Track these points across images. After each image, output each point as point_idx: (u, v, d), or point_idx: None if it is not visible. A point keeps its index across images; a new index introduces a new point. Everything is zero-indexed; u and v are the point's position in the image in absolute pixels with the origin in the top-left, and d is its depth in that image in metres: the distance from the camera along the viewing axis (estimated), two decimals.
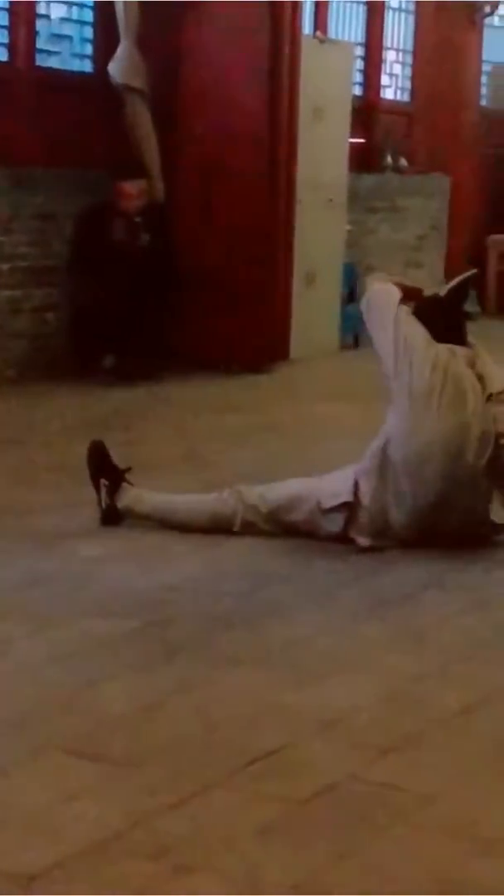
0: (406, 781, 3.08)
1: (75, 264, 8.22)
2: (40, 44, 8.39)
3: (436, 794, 3.03)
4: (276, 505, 4.92)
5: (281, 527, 4.93)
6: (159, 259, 8.17)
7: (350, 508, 4.81)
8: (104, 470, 5.11)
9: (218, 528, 4.97)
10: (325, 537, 4.86)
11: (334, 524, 4.84)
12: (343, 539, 4.83)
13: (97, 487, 5.10)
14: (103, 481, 5.09)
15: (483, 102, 12.69)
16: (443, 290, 5.27)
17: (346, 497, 4.81)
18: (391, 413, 4.89)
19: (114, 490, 5.07)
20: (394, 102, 11.72)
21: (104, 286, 8.03)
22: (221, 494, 5.02)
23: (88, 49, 8.74)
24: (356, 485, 4.81)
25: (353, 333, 9.82)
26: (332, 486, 4.87)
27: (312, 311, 9.21)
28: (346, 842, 2.81)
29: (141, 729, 3.32)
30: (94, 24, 8.71)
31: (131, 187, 8.25)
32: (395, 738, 3.30)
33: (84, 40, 8.74)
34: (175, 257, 8.33)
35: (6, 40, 8.17)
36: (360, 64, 11.08)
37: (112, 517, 5.07)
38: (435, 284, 11.74)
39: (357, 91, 10.83)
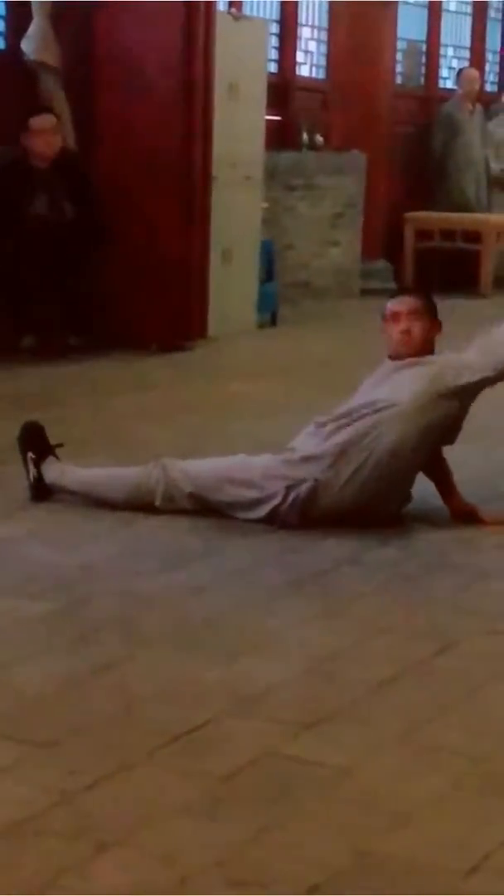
0: (323, 756, 3.12)
1: None
2: None
3: (352, 768, 3.06)
4: (201, 483, 4.92)
5: (202, 505, 4.94)
6: (85, 227, 8.06)
7: (276, 498, 4.83)
8: (35, 446, 5.11)
9: (141, 501, 4.96)
10: (244, 519, 4.88)
11: (258, 512, 4.86)
12: (265, 522, 4.86)
13: (25, 463, 5.09)
14: (30, 454, 5.09)
15: (398, 80, 12.72)
16: None
17: (273, 490, 4.82)
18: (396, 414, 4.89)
19: (39, 463, 5.06)
20: (309, 79, 11.72)
21: (24, 260, 7.94)
22: (146, 467, 5.01)
23: (1, 26, 8.66)
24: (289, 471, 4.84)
25: (271, 311, 9.84)
26: (260, 477, 4.88)
27: (230, 288, 9.22)
28: (266, 817, 2.83)
29: (60, 709, 3.32)
30: (6, 2, 8.63)
31: (41, 122, 8.09)
32: (312, 714, 3.33)
33: None
34: (101, 223, 8.18)
35: None
36: (274, 41, 11.06)
37: (41, 492, 5.06)
38: (352, 262, 11.82)
39: (272, 68, 10.82)
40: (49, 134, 8.13)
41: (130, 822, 2.79)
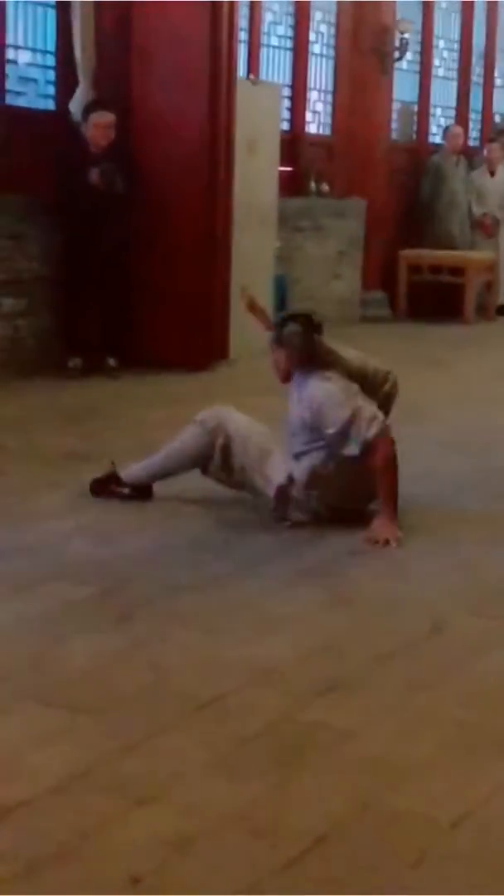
0: (332, 721, 3.10)
1: (65, 202, 8.06)
2: (9, 85, 8.30)
3: (356, 732, 3.05)
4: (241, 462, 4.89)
5: (236, 474, 4.92)
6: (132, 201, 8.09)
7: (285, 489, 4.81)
8: (109, 490, 5.09)
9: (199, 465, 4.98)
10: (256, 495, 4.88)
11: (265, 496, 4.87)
12: (277, 511, 4.84)
13: (115, 495, 5.06)
14: (113, 490, 5.08)
15: (393, 136, 12.69)
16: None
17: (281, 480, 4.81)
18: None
19: (121, 485, 5.06)
20: (317, 136, 11.68)
21: (89, 221, 7.95)
22: (204, 427, 4.94)
23: (51, 90, 8.66)
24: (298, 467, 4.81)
25: None
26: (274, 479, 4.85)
27: (247, 318, 9.17)
28: (280, 775, 2.83)
29: (102, 681, 3.31)
30: (56, 69, 8.63)
31: (102, 118, 8.12)
32: (322, 684, 3.31)
33: (47, 82, 8.66)
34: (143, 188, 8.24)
35: None
36: (287, 102, 11.05)
37: (142, 495, 5.06)
38: (353, 293, 11.80)
39: (285, 126, 10.80)
40: (105, 127, 8.13)
41: (163, 779, 2.78)
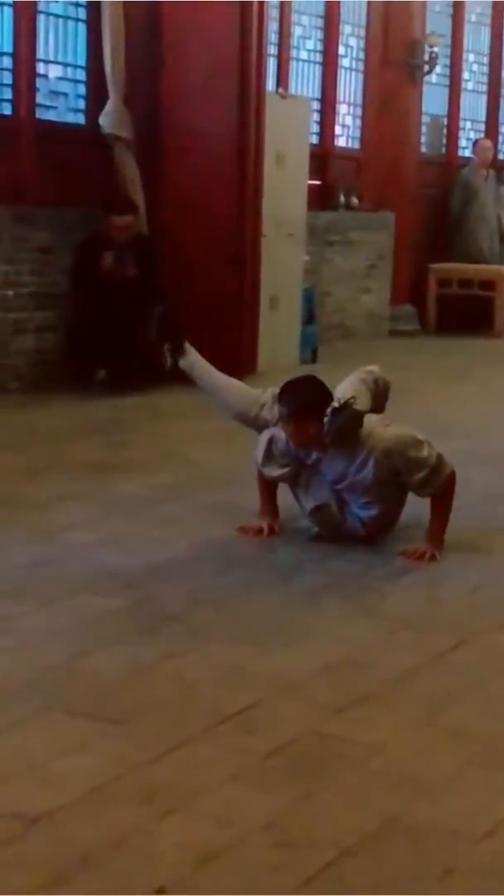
0: (357, 735, 3.11)
1: (72, 291, 8.22)
2: (40, 99, 8.36)
3: (381, 745, 3.06)
4: None
5: None
6: (144, 287, 8.15)
7: None
8: (171, 338, 5.02)
9: (243, 422, 4.99)
10: None
11: None
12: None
13: (161, 349, 5.00)
14: (167, 346, 5.00)
15: (422, 149, 12.71)
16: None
17: None
18: None
19: (177, 352, 4.98)
20: (345, 149, 11.72)
21: (96, 310, 8.02)
22: (262, 396, 4.92)
23: (81, 104, 8.73)
24: None
25: (311, 350, 9.84)
26: None
27: (276, 330, 9.23)
28: (306, 787, 2.83)
29: (129, 692, 3.34)
30: (87, 83, 8.70)
31: (121, 220, 8.24)
32: (347, 698, 3.32)
33: (78, 96, 8.72)
34: (160, 287, 8.29)
35: (10, 97, 8.15)
36: (316, 116, 11.09)
37: (175, 368, 5.03)
38: (382, 307, 11.81)
39: (314, 139, 10.84)
40: (123, 228, 8.22)
41: (190, 790, 2.80)
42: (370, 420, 4.65)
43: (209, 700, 3.29)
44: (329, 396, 4.56)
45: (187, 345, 5.01)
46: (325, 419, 4.47)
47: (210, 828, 2.63)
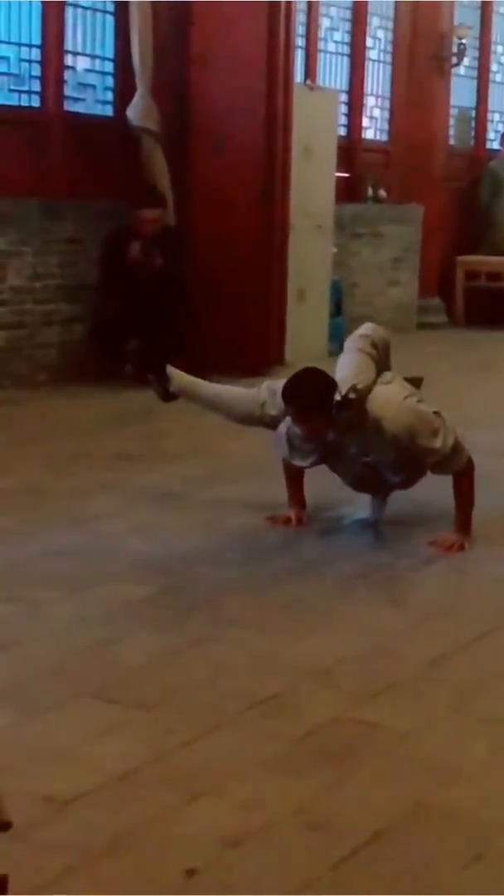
0: (387, 721, 3.11)
1: (100, 283, 8.24)
2: (68, 91, 8.39)
3: (410, 732, 3.06)
4: None
5: None
6: (171, 279, 8.16)
7: None
8: (149, 367, 4.99)
9: (250, 424, 4.99)
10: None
11: None
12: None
13: (150, 384, 4.98)
14: (150, 377, 4.96)
15: (451, 141, 12.68)
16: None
17: None
18: None
19: (162, 380, 4.93)
20: (373, 142, 11.71)
21: (124, 302, 8.04)
22: (257, 395, 4.92)
23: (109, 96, 8.74)
24: None
25: (339, 342, 9.81)
26: None
27: (304, 322, 9.23)
28: (335, 773, 2.84)
29: (159, 678, 3.35)
30: (114, 75, 8.71)
31: (149, 214, 8.24)
32: (376, 685, 3.33)
33: (105, 88, 8.73)
34: (183, 278, 8.30)
35: (38, 89, 8.18)
36: (344, 108, 11.07)
37: (169, 398, 4.99)
38: (410, 299, 11.79)
39: (342, 132, 10.83)
40: (150, 221, 8.21)
41: (219, 774, 2.81)
42: (376, 390, 4.59)
43: (238, 686, 3.29)
44: (332, 385, 4.50)
45: (169, 368, 4.96)
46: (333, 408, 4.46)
47: (239, 812, 2.64)
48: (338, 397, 4.44)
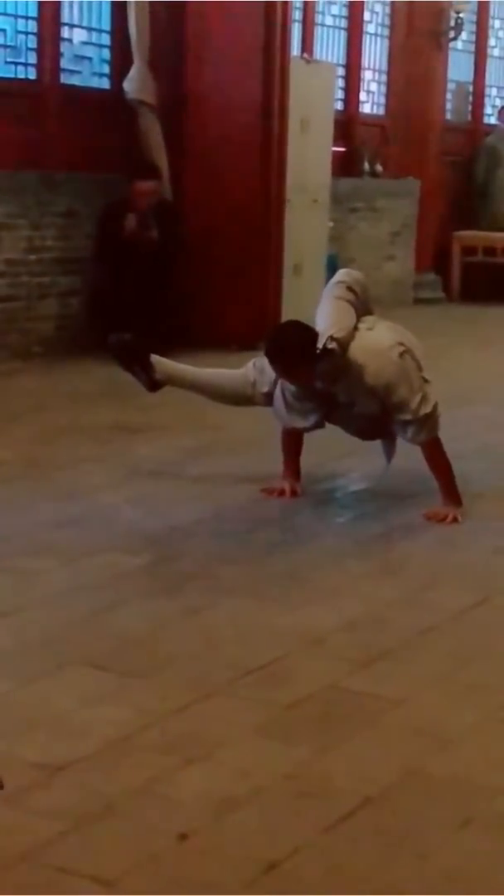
0: (378, 689, 3.13)
1: (96, 256, 8.22)
2: (64, 64, 8.34)
3: (403, 700, 3.07)
4: None
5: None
6: (167, 251, 8.15)
7: None
8: (136, 359, 4.96)
9: (240, 402, 4.99)
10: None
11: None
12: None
13: (137, 375, 4.97)
14: (136, 368, 4.95)
15: (448, 116, 12.64)
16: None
17: None
18: None
19: (147, 370, 4.93)
20: (370, 116, 11.67)
21: (119, 275, 8.02)
22: (245, 373, 4.92)
23: (106, 69, 8.71)
24: None
25: None
26: None
27: (300, 296, 9.17)
28: (327, 739, 2.86)
29: (153, 646, 3.36)
30: (111, 48, 8.67)
31: (145, 186, 8.22)
32: (369, 654, 3.34)
33: (102, 61, 8.69)
34: (179, 250, 8.29)
35: (34, 61, 8.14)
36: (341, 82, 11.04)
37: (156, 387, 5.00)
38: (406, 275, 11.77)
39: (338, 106, 10.80)
40: (145, 193, 8.18)
41: (212, 741, 2.82)
42: (360, 336, 4.55)
43: (232, 654, 3.31)
44: (313, 335, 4.46)
45: (154, 357, 4.94)
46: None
47: (232, 777, 2.66)
48: (318, 348, 4.41)
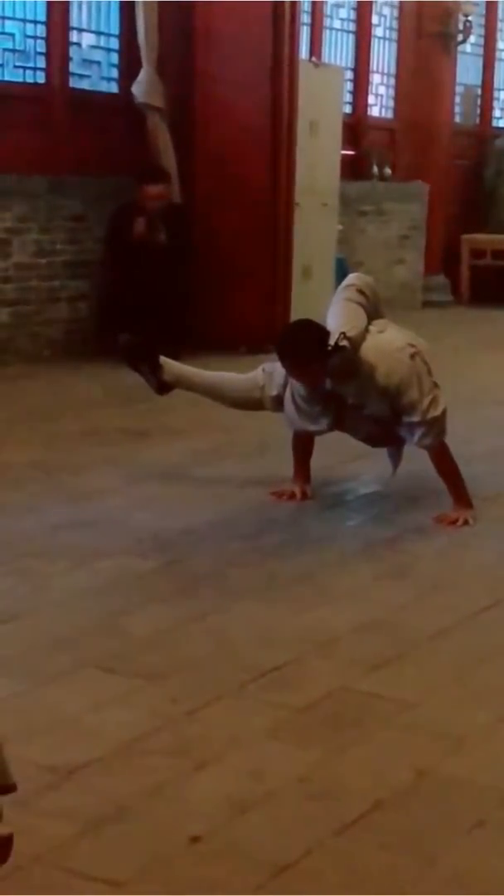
0: (390, 692, 3.13)
1: (105, 259, 8.22)
2: (73, 68, 8.37)
3: (413, 702, 3.07)
4: None
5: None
6: (176, 254, 8.16)
7: None
8: (143, 359, 4.96)
9: (248, 406, 4.97)
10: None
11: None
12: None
13: (144, 375, 4.96)
14: (144, 367, 4.94)
15: (456, 119, 12.64)
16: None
17: None
18: None
19: (156, 371, 4.93)
20: (379, 119, 11.68)
21: (128, 278, 8.03)
22: (254, 377, 4.90)
23: (114, 73, 8.72)
24: None
25: None
26: None
27: (309, 299, 9.19)
28: (339, 742, 2.85)
29: (164, 649, 3.36)
30: (120, 51, 8.69)
31: (154, 190, 8.23)
32: (381, 656, 3.34)
33: (111, 65, 8.72)
34: (188, 253, 8.30)
35: (43, 66, 8.16)
36: (349, 85, 11.05)
37: (164, 390, 5.00)
38: (415, 278, 11.77)
39: (347, 109, 10.80)
40: (154, 197, 8.18)
41: (224, 743, 2.81)
42: (371, 338, 4.55)
43: (244, 657, 3.31)
44: (324, 334, 4.45)
45: (163, 359, 4.94)
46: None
47: (244, 780, 2.65)
48: (330, 345, 4.40)
